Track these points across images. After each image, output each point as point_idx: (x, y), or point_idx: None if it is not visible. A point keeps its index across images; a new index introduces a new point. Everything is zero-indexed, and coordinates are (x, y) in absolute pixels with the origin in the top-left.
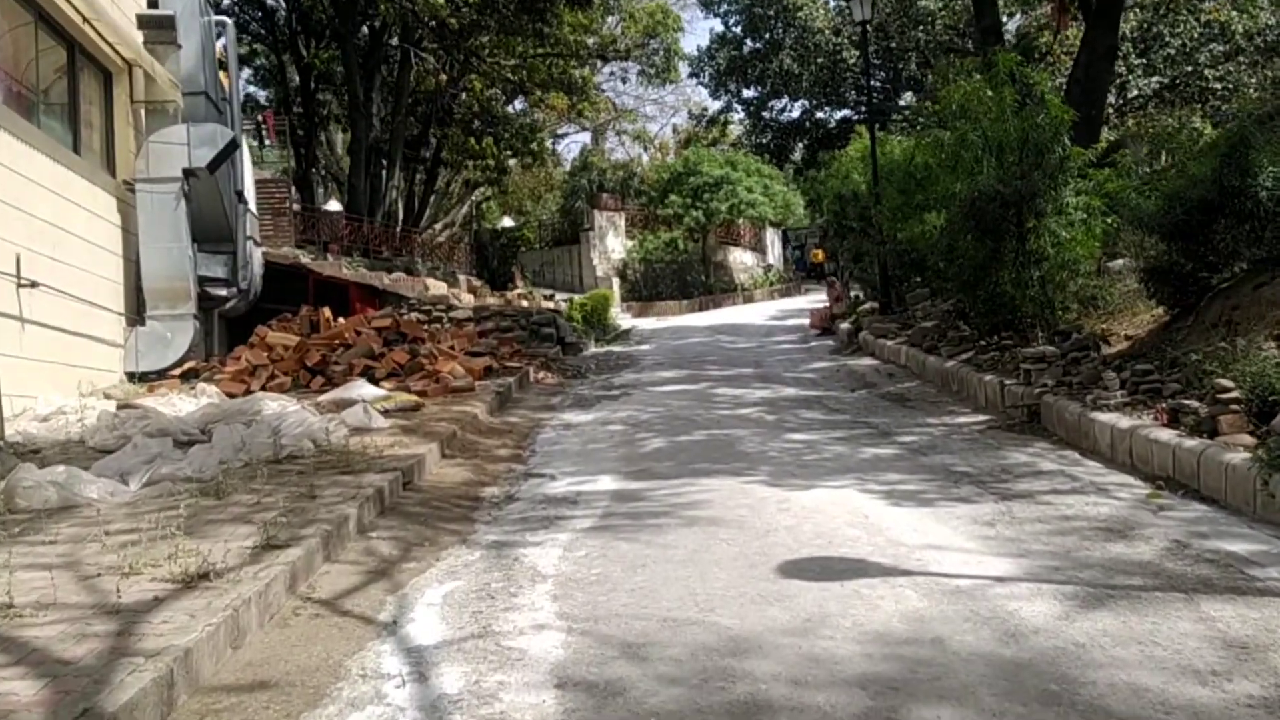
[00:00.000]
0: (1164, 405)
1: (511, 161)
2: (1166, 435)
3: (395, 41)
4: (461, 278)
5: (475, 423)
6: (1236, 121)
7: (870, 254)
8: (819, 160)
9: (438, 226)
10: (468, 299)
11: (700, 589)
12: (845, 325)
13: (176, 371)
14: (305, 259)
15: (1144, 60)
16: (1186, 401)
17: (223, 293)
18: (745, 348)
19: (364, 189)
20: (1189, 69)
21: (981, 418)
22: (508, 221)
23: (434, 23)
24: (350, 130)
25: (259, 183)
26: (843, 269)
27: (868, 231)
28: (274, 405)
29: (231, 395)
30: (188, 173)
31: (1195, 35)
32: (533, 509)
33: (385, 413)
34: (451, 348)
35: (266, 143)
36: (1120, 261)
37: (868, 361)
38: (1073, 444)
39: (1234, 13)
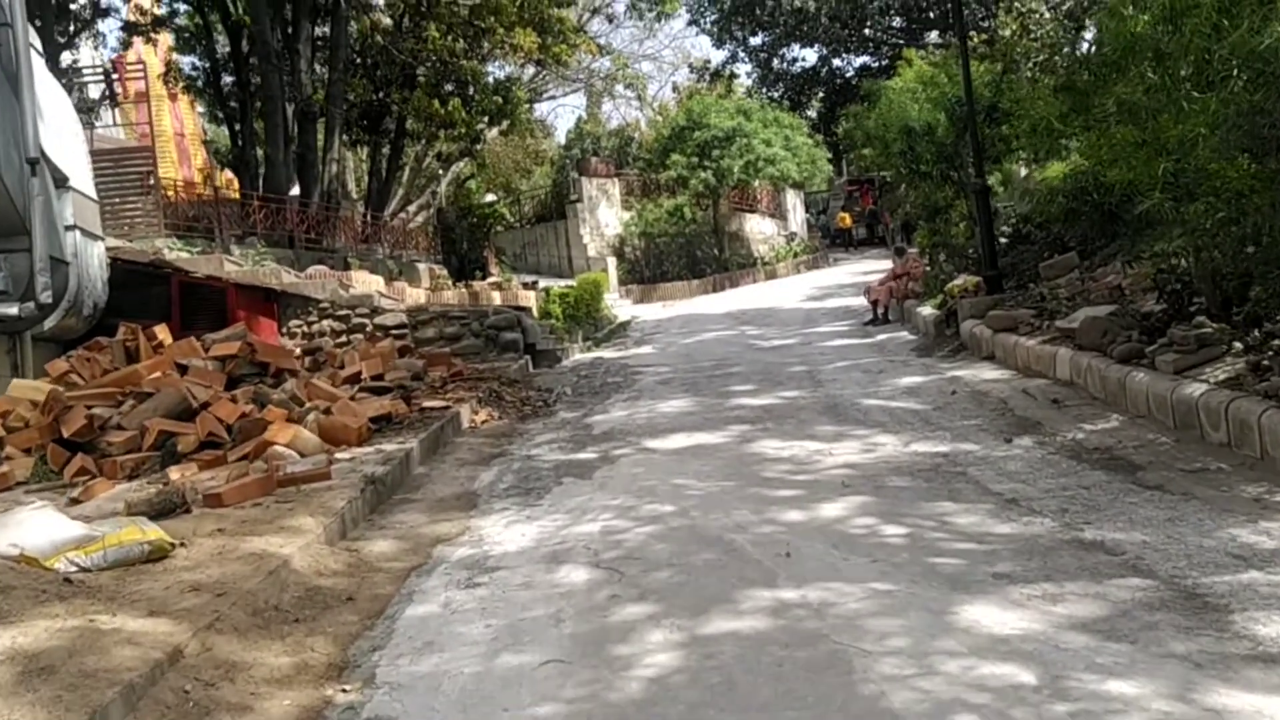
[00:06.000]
0: None
1: (493, 132)
2: None
3: None
4: (422, 267)
5: (268, 589)
6: None
7: (954, 208)
8: (860, 94)
9: (411, 209)
10: (415, 295)
11: None
12: (926, 310)
13: None
14: (173, 254)
15: None
16: None
17: (12, 311)
18: (786, 347)
19: (284, 162)
20: None
21: None
22: (490, 198)
23: None
24: (262, 87)
25: (113, 153)
26: (893, 231)
27: (950, 176)
28: None
29: None
30: None
31: None
32: None
33: (73, 575)
34: (356, 375)
35: (118, 102)
36: None
37: (992, 374)
38: None
39: None
